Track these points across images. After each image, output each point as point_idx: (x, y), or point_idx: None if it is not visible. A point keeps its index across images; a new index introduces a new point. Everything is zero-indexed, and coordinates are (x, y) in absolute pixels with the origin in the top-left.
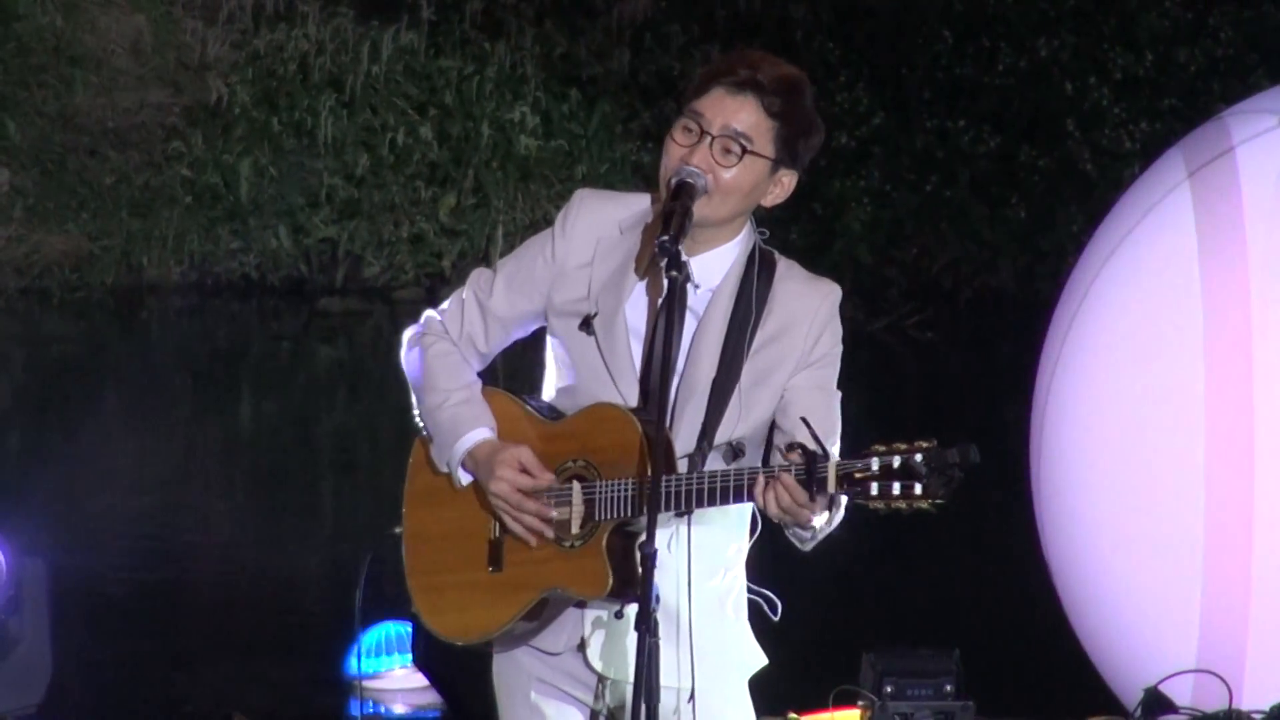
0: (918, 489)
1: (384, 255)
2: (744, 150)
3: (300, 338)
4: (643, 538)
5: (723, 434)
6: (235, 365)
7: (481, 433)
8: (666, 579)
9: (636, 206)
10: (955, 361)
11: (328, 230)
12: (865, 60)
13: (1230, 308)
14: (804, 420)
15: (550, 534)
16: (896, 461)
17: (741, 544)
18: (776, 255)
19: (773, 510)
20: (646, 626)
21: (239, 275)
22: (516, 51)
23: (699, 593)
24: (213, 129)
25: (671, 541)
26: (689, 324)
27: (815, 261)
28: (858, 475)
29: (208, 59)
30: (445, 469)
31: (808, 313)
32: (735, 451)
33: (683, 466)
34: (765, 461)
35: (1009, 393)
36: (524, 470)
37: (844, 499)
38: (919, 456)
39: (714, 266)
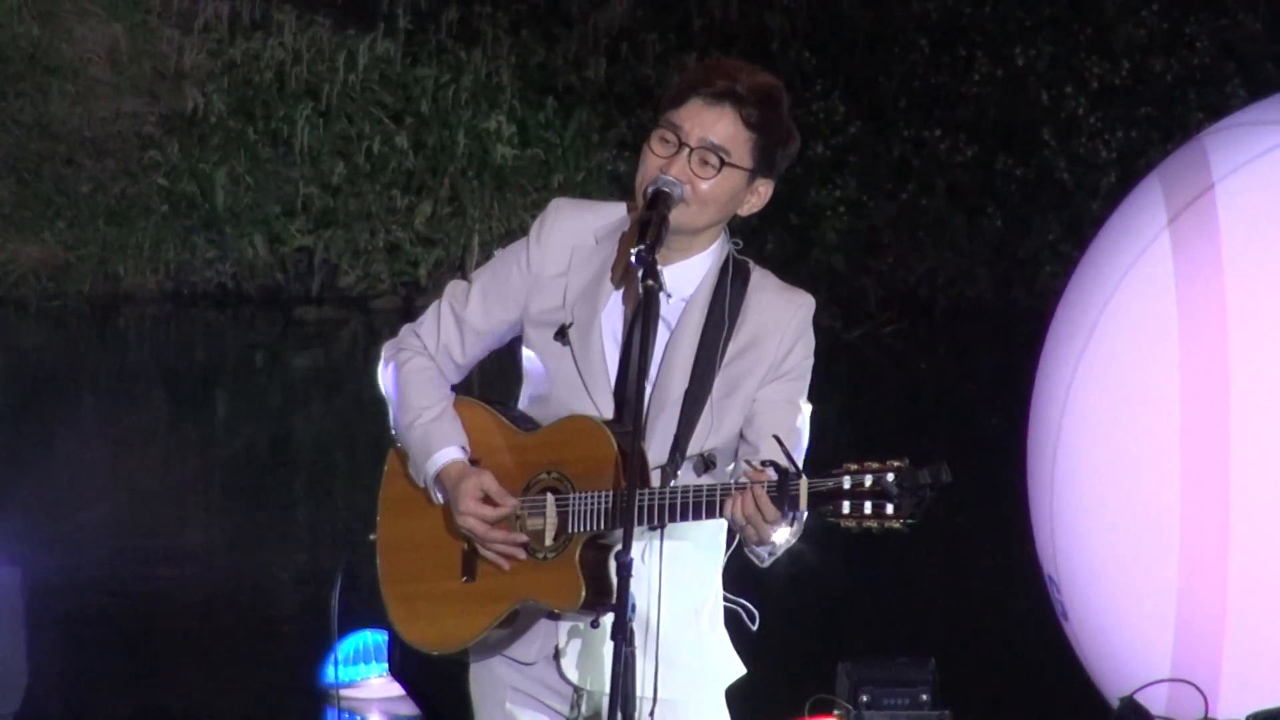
0: (889, 509)
1: (360, 264)
2: (722, 163)
3: (276, 346)
4: (618, 548)
5: (695, 446)
6: (211, 374)
7: (450, 452)
8: (640, 590)
9: (612, 215)
10: (932, 371)
11: (304, 239)
12: (841, 69)
13: (1209, 372)
14: (776, 438)
15: (521, 556)
16: (868, 480)
17: (717, 556)
18: (751, 265)
19: (737, 517)
20: (623, 636)
21: (215, 284)
22: (493, 60)
23: (673, 604)
24: (189, 138)
25: (645, 552)
26: (661, 334)
27: (791, 271)
28: (829, 493)
29: (184, 68)
30: (422, 485)
31: (780, 324)
32: (707, 463)
33: (656, 478)
34: (734, 472)
35: (987, 402)
36: (487, 499)
37: (804, 517)
38: (891, 476)
39: (688, 276)
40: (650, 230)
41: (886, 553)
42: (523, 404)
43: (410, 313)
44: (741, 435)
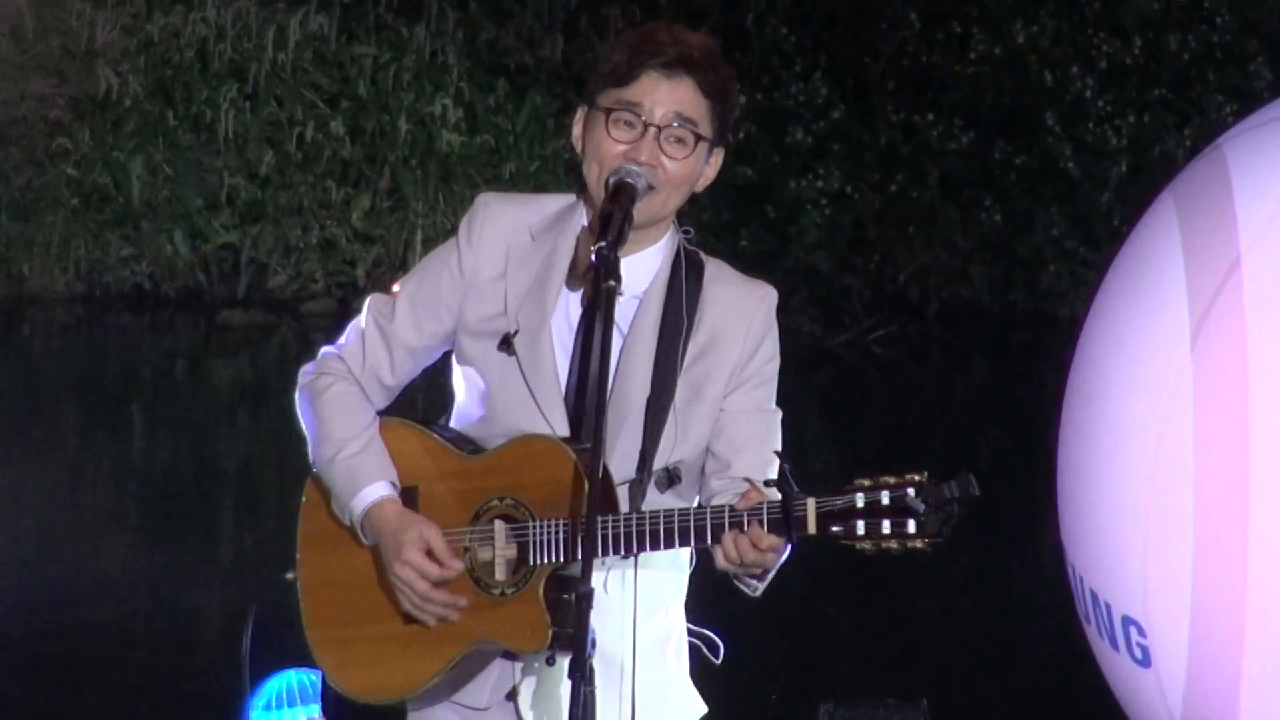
0: (911, 527)
1: (291, 263)
2: (697, 139)
3: (198, 355)
4: (571, 585)
5: (660, 459)
6: (126, 385)
7: (379, 489)
8: (605, 623)
9: (547, 209)
10: (924, 380)
11: (229, 236)
12: (823, 47)
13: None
14: (777, 453)
15: (455, 618)
16: (885, 497)
17: (682, 578)
18: (703, 255)
19: (729, 551)
20: (581, 674)
21: (130, 285)
22: (438, 38)
23: (641, 637)
24: (101, 123)
25: (608, 581)
26: (616, 340)
27: (769, 270)
28: (841, 513)
29: (96, 45)
30: (348, 523)
31: (742, 320)
32: (671, 478)
33: (624, 497)
34: (701, 490)
35: (984, 414)
36: (431, 556)
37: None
38: (911, 491)
39: (640, 271)
40: (612, 226)
41: (874, 581)
42: (456, 425)
43: (346, 317)
44: (710, 450)
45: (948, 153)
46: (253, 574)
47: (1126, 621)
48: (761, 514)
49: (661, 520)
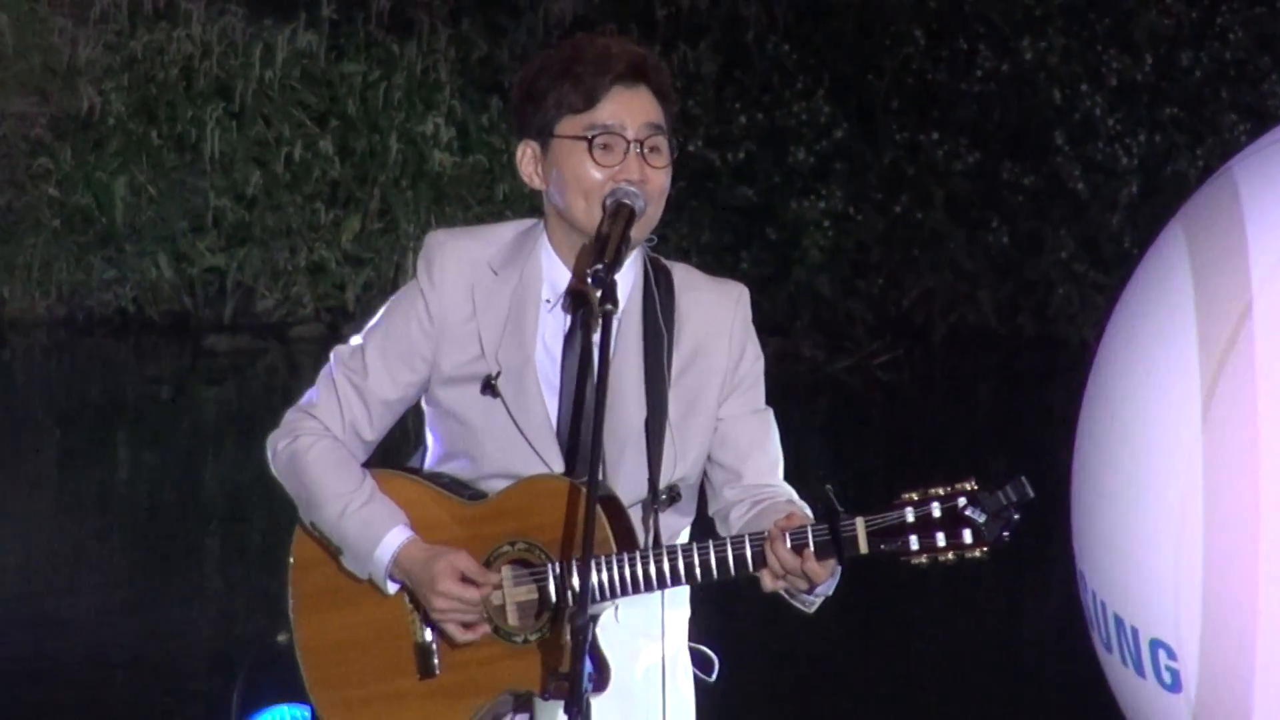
0: (967, 537)
1: (279, 287)
2: (671, 143)
3: (183, 381)
4: (606, 609)
5: (663, 479)
6: (109, 412)
7: (399, 534)
8: (618, 651)
9: (502, 239)
10: (929, 407)
11: (214, 258)
12: (826, 65)
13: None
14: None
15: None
16: (936, 509)
17: (685, 594)
18: (666, 262)
19: (778, 575)
20: (578, 709)
21: (114, 309)
22: (429, 55)
23: (654, 660)
24: (83, 143)
25: (619, 609)
26: (598, 361)
27: (769, 293)
28: (891, 530)
29: (78, 63)
30: (365, 579)
31: (723, 324)
32: (671, 498)
33: (637, 526)
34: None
35: (992, 442)
36: (465, 579)
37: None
38: (962, 500)
39: (618, 289)
40: (610, 247)
41: (874, 611)
42: (434, 467)
43: (336, 342)
44: (715, 460)
45: (953, 173)
46: (240, 609)
47: (1155, 645)
48: (807, 538)
49: (696, 553)
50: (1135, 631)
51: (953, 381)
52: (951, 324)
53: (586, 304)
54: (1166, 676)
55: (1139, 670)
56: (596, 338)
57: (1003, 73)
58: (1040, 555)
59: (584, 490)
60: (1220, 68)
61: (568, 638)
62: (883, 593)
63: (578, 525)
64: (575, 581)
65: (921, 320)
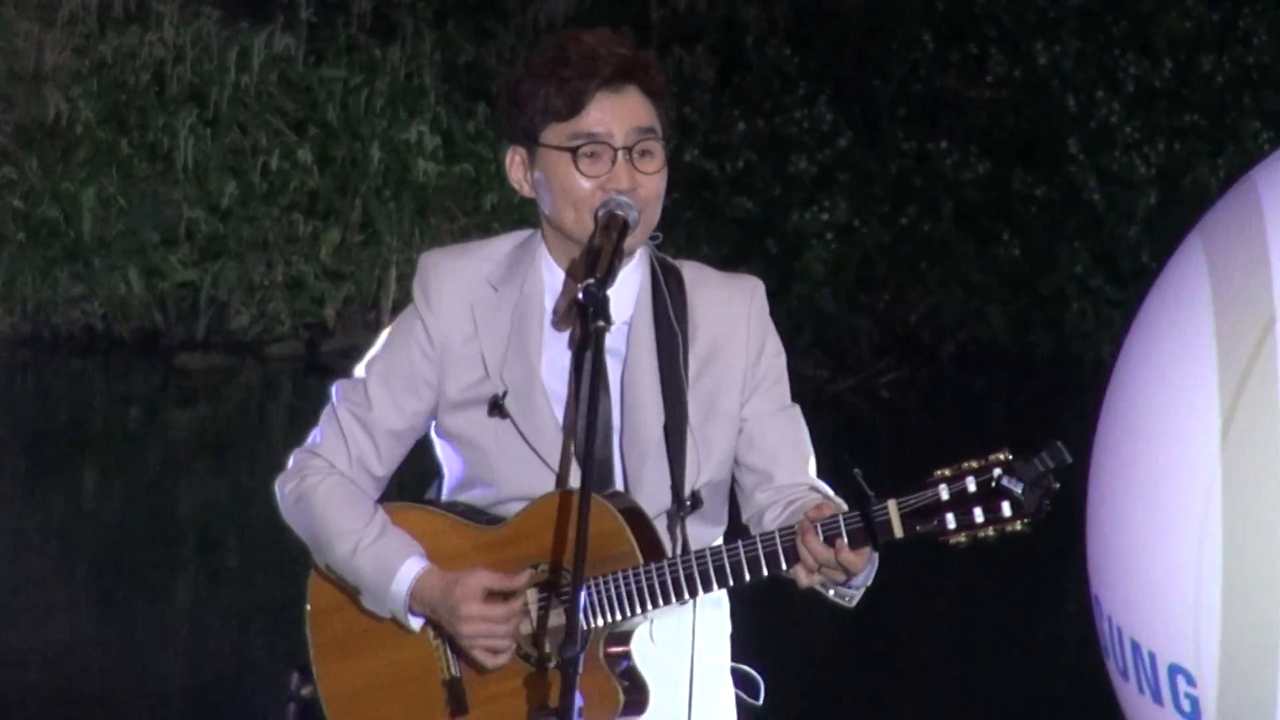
0: (1006, 509)
1: (255, 302)
2: (661, 144)
3: (155, 401)
4: (639, 623)
5: (688, 485)
6: (77, 434)
7: (415, 564)
8: (658, 674)
9: (498, 254)
10: (937, 428)
11: (187, 273)
12: (829, 70)
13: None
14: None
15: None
16: (972, 484)
17: (724, 613)
18: (675, 260)
19: (811, 568)
20: None
21: (81, 327)
22: (413, 60)
23: (683, 684)
24: (50, 152)
25: (654, 630)
26: (613, 368)
27: (770, 308)
28: (926, 509)
29: (44, 68)
30: (387, 616)
31: (738, 321)
32: (694, 503)
33: (663, 533)
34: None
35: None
36: (490, 597)
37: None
38: (998, 472)
39: (623, 295)
40: (602, 262)
41: (883, 634)
42: (451, 497)
43: (314, 360)
44: (744, 464)
45: (963, 183)
46: (213, 640)
47: (1174, 670)
48: (839, 527)
49: (725, 555)
50: (1153, 657)
51: (962, 402)
52: (960, 342)
53: (583, 319)
54: (1185, 704)
55: (1156, 698)
56: (608, 342)
57: (1015, 78)
58: (1054, 585)
59: (605, 504)
60: (1243, 73)
61: (601, 659)
62: (890, 632)
63: (602, 540)
64: (620, 595)
65: (929, 338)
